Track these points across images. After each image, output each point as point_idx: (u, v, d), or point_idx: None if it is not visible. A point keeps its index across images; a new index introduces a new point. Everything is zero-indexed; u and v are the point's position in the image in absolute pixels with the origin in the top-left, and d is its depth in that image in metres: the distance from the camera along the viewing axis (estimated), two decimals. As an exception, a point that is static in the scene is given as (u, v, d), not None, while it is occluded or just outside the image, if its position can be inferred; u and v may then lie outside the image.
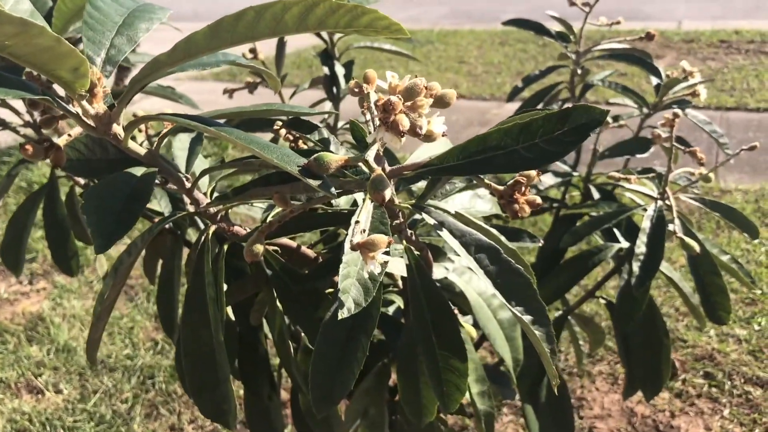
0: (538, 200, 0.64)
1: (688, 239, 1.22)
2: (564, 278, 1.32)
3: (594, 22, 1.56)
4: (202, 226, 1.29)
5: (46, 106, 0.67)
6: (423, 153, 0.77)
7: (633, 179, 1.28)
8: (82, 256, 3.44)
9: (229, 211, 0.84)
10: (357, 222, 0.59)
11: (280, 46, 1.58)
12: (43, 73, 0.56)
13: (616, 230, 1.43)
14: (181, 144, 0.82)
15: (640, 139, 1.55)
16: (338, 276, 0.65)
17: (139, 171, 0.66)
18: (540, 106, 1.62)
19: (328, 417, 0.91)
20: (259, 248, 0.66)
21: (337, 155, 0.57)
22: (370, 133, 0.61)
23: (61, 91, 0.64)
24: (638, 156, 1.51)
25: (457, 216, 0.71)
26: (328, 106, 1.61)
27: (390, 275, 0.91)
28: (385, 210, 0.66)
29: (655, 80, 1.56)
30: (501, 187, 0.65)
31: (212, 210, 0.77)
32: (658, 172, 1.32)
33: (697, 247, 1.20)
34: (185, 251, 1.39)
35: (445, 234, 0.69)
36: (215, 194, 0.80)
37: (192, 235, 1.25)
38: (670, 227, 1.26)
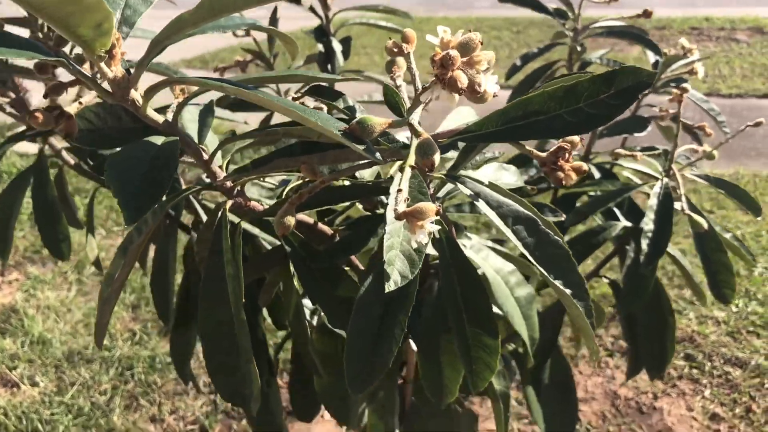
0: (585, 167, 0.62)
1: (696, 216, 1.20)
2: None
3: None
4: (198, 207, 1.25)
5: (53, 72, 0.62)
6: (450, 123, 0.74)
7: (639, 156, 1.26)
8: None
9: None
10: (400, 190, 0.56)
11: (273, 24, 1.53)
12: (62, 28, 0.51)
13: (617, 210, 1.41)
14: (190, 116, 0.78)
15: (638, 117, 1.53)
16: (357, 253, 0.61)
17: (158, 140, 0.62)
18: (538, 85, 1.60)
19: (346, 400, 0.88)
20: (291, 220, 0.63)
21: (380, 118, 0.54)
22: (414, 96, 0.57)
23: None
24: (636, 135, 1.50)
25: (492, 186, 0.68)
26: (322, 84, 1.56)
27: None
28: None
29: (653, 57, 1.54)
30: (544, 154, 0.62)
31: (229, 184, 0.73)
32: (664, 149, 1.30)
33: (705, 224, 1.19)
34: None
35: (481, 205, 0.65)
36: (231, 168, 0.76)
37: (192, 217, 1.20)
38: (676, 205, 1.25)
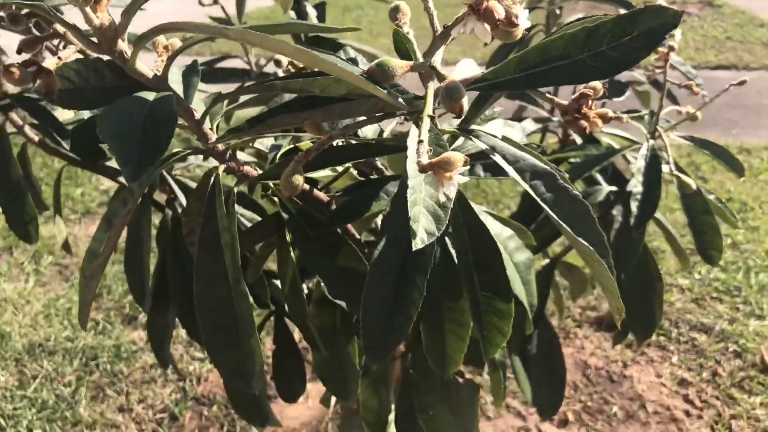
0: (610, 113, 0.58)
1: (684, 177, 1.19)
2: (552, 226, 1.28)
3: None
4: (172, 183, 1.19)
5: (27, 25, 0.56)
6: (457, 74, 0.69)
7: (625, 119, 1.24)
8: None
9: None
10: (421, 141, 0.52)
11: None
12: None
13: (599, 176, 1.40)
14: (174, 77, 0.72)
15: (615, 82, 1.52)
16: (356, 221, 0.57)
17: (149, 96, 0.56)
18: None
19: (345, 374, 0.84)
20: (299, 179, 0.58)
21: (400, 60, 0.50)
22: (435, 37, 0.53)
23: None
24: (614, 100, 1.48)
25: (505, 140, 0.64)
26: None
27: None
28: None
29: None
30: (565, 102, 0.59)
31: (221, 147, 0.68)
32: (650, 110, 1.28)
33: (693, 185, 1.18)
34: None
35: (498, 159, 0.62)
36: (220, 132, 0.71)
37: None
38: (663, 167, 1.24)
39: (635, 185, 1.19)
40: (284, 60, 0.87)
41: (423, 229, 0.50)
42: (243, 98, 0.66)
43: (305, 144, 0.87)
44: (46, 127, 1.05)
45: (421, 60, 0.59)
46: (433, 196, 0.52)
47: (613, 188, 1.32)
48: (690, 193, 1.21)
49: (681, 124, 1.32)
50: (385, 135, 0.84)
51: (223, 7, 1.52)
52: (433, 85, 0.57)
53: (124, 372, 2.73)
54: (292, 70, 0.85)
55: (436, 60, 0.53)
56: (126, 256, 1.22)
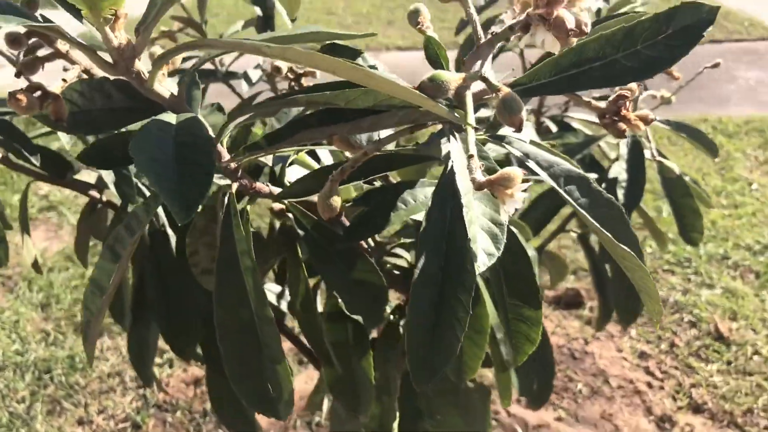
0: (651, 115, 0.57)
1: (666, 161, 1.20)
2: (538, 214, 1.28)
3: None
4: (148, 193, 1.13)
5: (33, 45, 0.51)
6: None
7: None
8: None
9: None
10: (471, 156, 0.49)
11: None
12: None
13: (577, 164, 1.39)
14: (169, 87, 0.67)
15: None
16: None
17: (170, 117, 0.52)
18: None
19: (359, 389, 0.81)
20: (337, 201, 0.55)
21: (452, 73, 0.47)
22: (479, 45, 0.50)
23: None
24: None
25: (534, 144, 0.62)
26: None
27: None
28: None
29: (595, 4, 1.52)
30: (603, 105, 0.57)
31: (233, 165, 0.64)
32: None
33: (676, 169, 1.19)
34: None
35: (532, 165, 0.60)
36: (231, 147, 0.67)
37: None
38: (645, 152, 1.24)
39: (619, 172, 1.19)
40: (284, 66, 0.83)
41: (483, 252, 0.47)
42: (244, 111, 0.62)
43: (301, 156, 0.84)
44: (12, 143, 0.98)
45: (452, 68, 0.56)
46: (486, 213, 0.50)
47: (594, 175, 1.32)
48: (671, 177, 1.22)
49: (642, 106, 1.33)
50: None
51: (182, 5, 1.45)
52: (470, 93, 0.54)
53: (81, 383, 2.63)
54: (291, 77, 0.81)
55: (488, 70, 0.51)
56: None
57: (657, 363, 2.72)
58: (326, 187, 0.55)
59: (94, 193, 1.11)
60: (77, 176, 1.12)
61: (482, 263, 0.47)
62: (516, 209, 0.45)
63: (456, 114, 0.47)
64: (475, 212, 0.49)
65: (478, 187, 0.47)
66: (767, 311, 2.90)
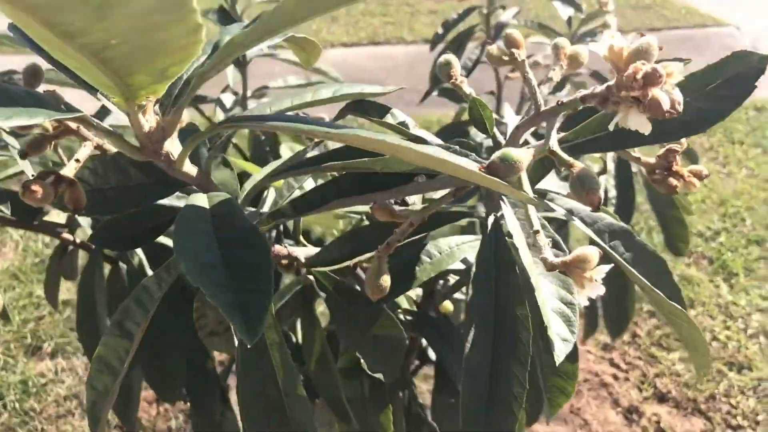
0: (705, 171, 0.54)
1: (654, 177, 1.19)
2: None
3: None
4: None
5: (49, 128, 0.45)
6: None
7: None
8: None
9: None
10: (537, 231, 0.46)
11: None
12: (111, 73, 0.35)
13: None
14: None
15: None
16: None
17: (201, 200, 0.47)
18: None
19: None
20: (387, 280, 0.50)
21: (522, 150, 0.43)
22: (530, 107, 0.47)
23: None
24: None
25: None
26: (230, 71, 1.38)
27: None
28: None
29: (565, 13, 1.50)
30: (652, 160, 0.55)
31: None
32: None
33: (665, 184, 1.18)
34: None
35: (578, 222, 0.57)
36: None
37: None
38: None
39: (609, 189, 1.18)
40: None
41: (559, 338, 0.44)
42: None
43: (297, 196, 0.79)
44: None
45: (496, 131, 0.52)
46: (554, 293, 0.47)
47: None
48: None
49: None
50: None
51: None
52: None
53: (36, 408, 2.52)
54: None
55: (554, 144, 0.47)
56: (79, 318, 1.09)
57: (621, 354, 2.76)
58: (375, 265, 0.51)
59: (67, 236, 1.04)
60: (46, 217, 1.05)
61: (560, 351, 0.44)
62: (598, 294, 0.42)
63: (523, 192, 0.44)
64: (548, 294, 0.46)
65: (551, 268, 0.44)
66: (722, 297, 2.98)
